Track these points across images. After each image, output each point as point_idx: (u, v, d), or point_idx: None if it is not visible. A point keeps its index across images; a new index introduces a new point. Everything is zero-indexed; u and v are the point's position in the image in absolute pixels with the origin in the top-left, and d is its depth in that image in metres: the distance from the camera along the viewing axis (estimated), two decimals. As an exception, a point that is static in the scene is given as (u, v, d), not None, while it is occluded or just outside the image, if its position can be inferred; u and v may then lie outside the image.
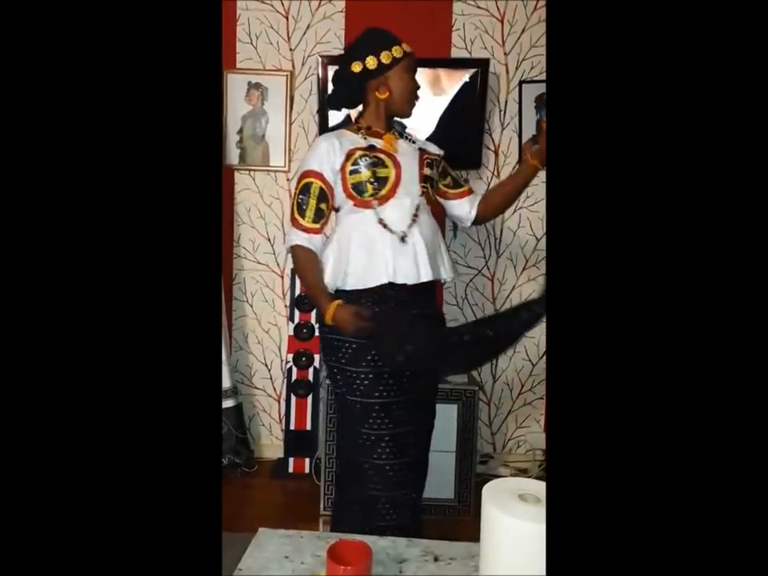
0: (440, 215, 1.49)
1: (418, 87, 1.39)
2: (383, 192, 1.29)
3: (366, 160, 1.29)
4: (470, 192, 1.51)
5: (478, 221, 1.52)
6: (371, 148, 1.32)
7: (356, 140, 1.34)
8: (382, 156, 1.32)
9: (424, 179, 1.37)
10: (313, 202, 1.30)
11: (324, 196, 1.31)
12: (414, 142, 1.42)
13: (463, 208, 1.49)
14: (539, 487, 0.69)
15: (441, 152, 1.47)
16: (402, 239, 1.28)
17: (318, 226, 1.32)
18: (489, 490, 0.69)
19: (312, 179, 1.31)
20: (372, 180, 1.28)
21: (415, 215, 1.31)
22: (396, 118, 1.41)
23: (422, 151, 1.40)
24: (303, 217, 1.31)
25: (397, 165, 1.33)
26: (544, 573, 0.59)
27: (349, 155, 1.30)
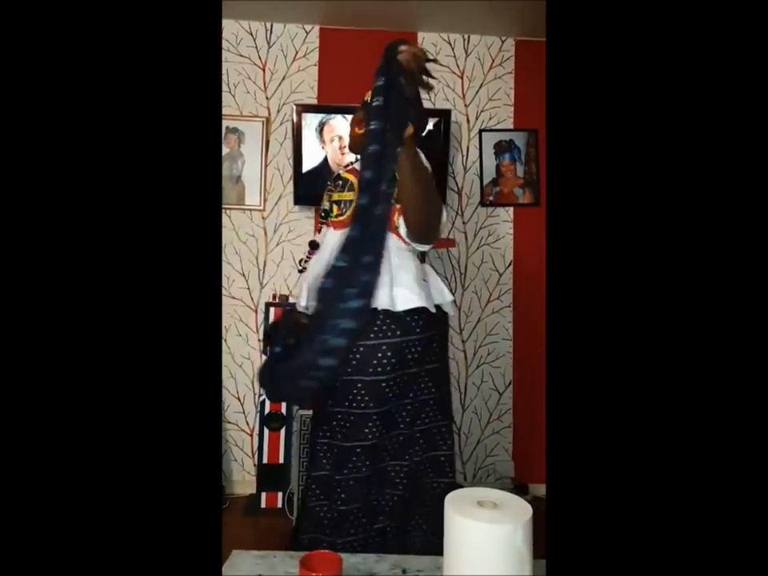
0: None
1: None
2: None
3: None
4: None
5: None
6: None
7: None
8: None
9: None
10: None
11: None
12: None
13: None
14: (496, 494, 0.74)
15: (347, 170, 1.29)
16: None
17: None
18: (450, 499, 0.73)
19: None
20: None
21: None
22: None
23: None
24: None
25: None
26: (502, 572, 0.65)
27: None
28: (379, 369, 1.14)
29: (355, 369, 1.15)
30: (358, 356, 1.15)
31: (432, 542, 1.18)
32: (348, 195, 1.24)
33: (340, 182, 1.30)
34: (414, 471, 1.23)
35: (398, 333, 1.15)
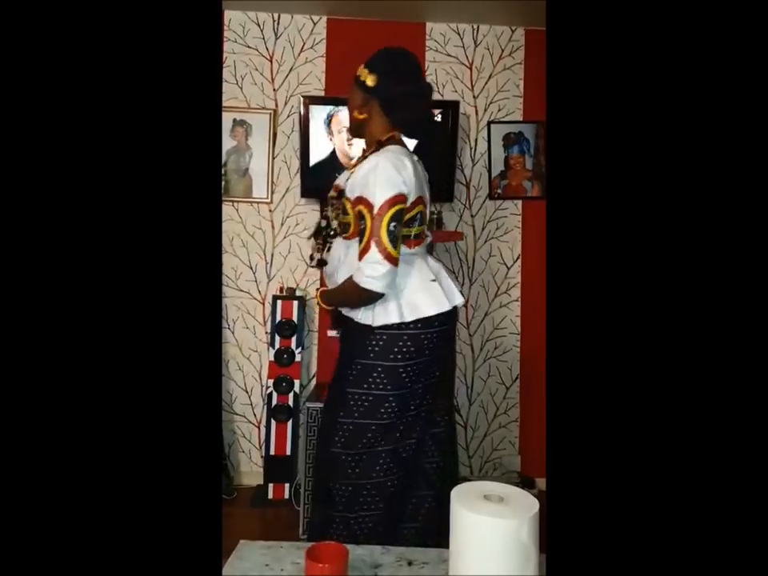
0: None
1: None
2: None
3: None
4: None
5: None
6: None
7: None
8: None
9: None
10: None
11: None
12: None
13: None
14: (502, 488, 0.74)
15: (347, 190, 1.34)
16: None
17: None
18: (456, 492, 0.73)
19: None
20: None
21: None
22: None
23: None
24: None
25: None
26: (507, 568, 0.65)
27: None
28: (399, 356, 1.28)
29: (377, 355, 1.29)
30: (380, 343, 1.29)
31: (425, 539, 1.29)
32: (344, 218, 1.36)
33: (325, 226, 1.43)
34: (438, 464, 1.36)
35: (419, 325, 1.29)
